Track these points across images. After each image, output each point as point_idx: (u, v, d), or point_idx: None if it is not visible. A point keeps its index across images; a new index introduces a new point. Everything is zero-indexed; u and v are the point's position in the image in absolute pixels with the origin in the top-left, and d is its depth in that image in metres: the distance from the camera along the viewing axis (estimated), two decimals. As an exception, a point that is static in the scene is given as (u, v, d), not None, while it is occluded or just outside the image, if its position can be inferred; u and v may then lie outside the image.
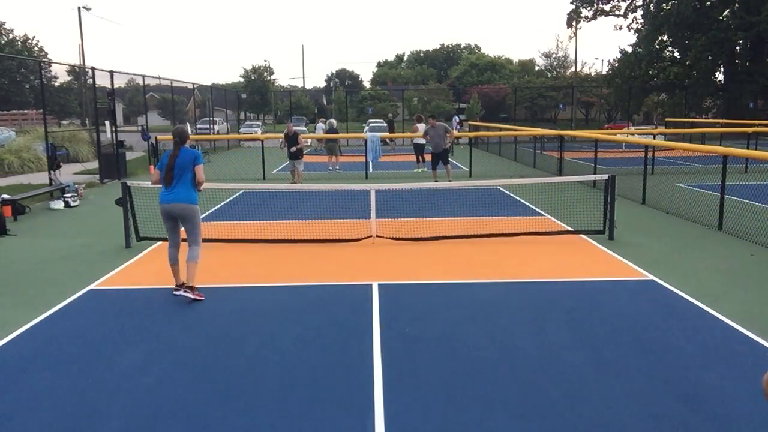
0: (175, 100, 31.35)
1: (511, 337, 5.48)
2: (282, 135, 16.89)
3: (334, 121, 23.00)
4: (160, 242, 9.21)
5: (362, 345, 5.29)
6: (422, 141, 20.66)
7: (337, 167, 20.17)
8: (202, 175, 6.57)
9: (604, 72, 55.14)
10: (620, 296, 6.64)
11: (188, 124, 34.20)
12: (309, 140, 33.15)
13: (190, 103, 41.10)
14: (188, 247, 6.59)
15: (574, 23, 46.55)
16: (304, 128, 43.04)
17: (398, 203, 12.51)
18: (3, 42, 52.36)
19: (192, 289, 6.46)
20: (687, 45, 39.60)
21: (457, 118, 39.59)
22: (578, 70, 62.15)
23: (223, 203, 13.11)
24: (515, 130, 24.90)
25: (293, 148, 15.97)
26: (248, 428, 3.98)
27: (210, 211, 12.12)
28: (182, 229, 6.73)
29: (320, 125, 34.66)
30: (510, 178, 15.09)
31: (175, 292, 6.60)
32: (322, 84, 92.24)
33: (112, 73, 17.97)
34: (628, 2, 43.92)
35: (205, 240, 9.15)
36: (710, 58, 38.30)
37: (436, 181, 15.55)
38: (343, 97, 53.29)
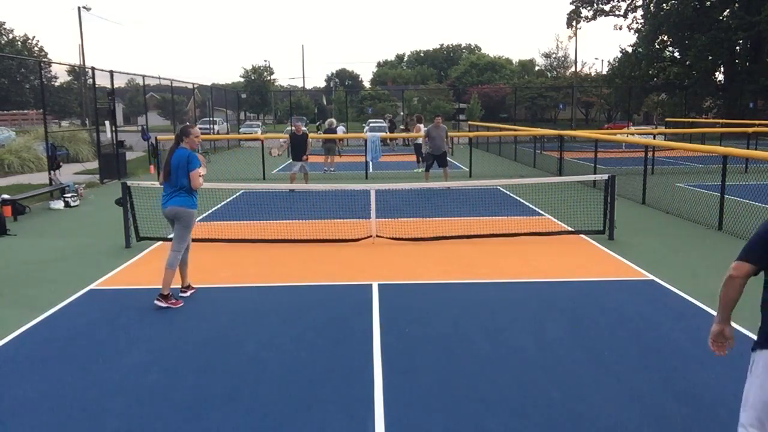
0: (175, 100, 31.33)
1: (511, 337, 5.48)
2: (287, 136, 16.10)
3: (333, 120, 22.96)
4: (160, 242, 9.20)
5: (362, 345, 5.29)
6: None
7: (332, 168, 20.02)
8: (197, 181, 6.22)
9: (604, 72, 55.20)
10: (620, 296, 6.64)
11: (188, 124, 34.22)
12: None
13: (190, 103, 41.11)
14: (169, 251, 6.35)
15: (574, 23, 46.58)
16: (305, 128, 43.03)
17: (398, 203, 12.51)
18: (3, 42, 52.40)
19: (166, 297, 6.23)
20: (687, 45, 39.62)
21: (388, 116, 36.96)
22: (578, 70, 62.18)
23: (223, 203, 13.11)
24: (515, 130, 24.90)
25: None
26: (248, 428, 3.97)
27: (210, 211, 12.12)
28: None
29: (341, 127, 34.67)
30: (510, 178, 15.09)
31: (181, 294, 6.61)
32: (322, 84, 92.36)
33: (112, 73, 17.97)
34: (628, 2, 43.99)
35: (204, 240, 9.19)
36: (710, 58, 38.32)
37: (427, 180, 15.23)
38: (343, 97, 53.29)
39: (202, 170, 6.33)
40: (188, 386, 4.56)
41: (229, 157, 26.23)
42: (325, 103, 75.40)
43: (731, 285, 3.38)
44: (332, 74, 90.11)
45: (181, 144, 6.34)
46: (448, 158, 15.46)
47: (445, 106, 56.28)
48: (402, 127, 35.11)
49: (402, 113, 39.22)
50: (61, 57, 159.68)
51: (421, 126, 21.74)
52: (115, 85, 18.67)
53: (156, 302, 6.23)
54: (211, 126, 35.24)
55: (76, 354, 5.19)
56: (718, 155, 10.88)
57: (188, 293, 6.65)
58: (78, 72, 48.99)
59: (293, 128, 15.87)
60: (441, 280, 7.25)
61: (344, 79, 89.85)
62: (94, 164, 19.49)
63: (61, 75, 58.25)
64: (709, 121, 36.70)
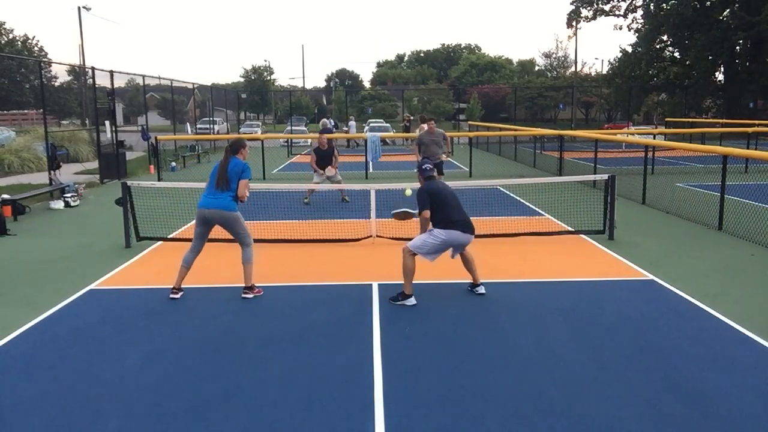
0: (175, 100, 31.33)
1: (511, 336, 5.48)
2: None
3: (326, 120, 22.98)
4: (160, 242, 9.21)
5: (362, 345, 5.29)
6: None
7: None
8: (245, 191, 6.57)
9: (604, 72, 55.18)
10: (620, 296, 6.64)
11: (188, 123, 34.20)
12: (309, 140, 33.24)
13: (190, 103, 41.10)
14: (241, 250, 6.63)
15: (574, 23, 46.57)
16: (305, 128, 43.00)
17: (398, 203, 12.47)
18: (3, 42, 52.39)
19: (251, 288, 6.60)
20: (687, 45, 39.64)
21: (330, 121, 35.54)
22: (578, 70, 62.19)
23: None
24: (515, 130, 24.91)
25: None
26: (248, 428, 3.97)
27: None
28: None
29: (352, 123, 34.35)
30: (510, 178, 15.09)
31: (172, 295, 6.58)
32: (322, 84, 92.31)
33: (112, 73, 17.97)
34: (628, 2, 43.96)
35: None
36: (710, 58, 38.33)
37: None
38: (343, 97, 53.29)
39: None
40: (188, 386, 4.56)
41: (229, 157, 26.16)
42: (325, 103, 75.39)
43: (424, 222, 6.49)
44: (332, 74, 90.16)
45: (236, 155, 6.68)
46: (450, 159, 14.87)
47: (445, 106, 56.31)
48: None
49: (406, 114, 38.40)
50: (61, 57, 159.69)
51: (426, 126, 21.34)
52: (115, 85, 18.67)
53: (243, 295, 6.56)
54: (211, 126, 35.25)
55: (76, 354, 5.19)
56: (718, 155, 10.88)
57: (178, 295, 6.60)
58: (78, 72, 49.02)
59: (317, 142, 13.25)
60: (441, 280, 7.24)
61: (344, 79, 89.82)
62: (94, 164, 19.48)
63: (61, 75, 58.41)
64: (709, 121, 36.70)
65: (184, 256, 6.66)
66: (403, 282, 6.40)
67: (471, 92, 57.70)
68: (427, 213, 6.40)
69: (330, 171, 12.71)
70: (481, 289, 6.66)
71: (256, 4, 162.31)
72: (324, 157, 12.81)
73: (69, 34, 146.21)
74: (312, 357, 5.06)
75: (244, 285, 6.65)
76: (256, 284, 6.69)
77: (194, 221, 6.76)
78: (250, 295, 6.58)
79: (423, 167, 6.76)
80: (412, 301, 6.37)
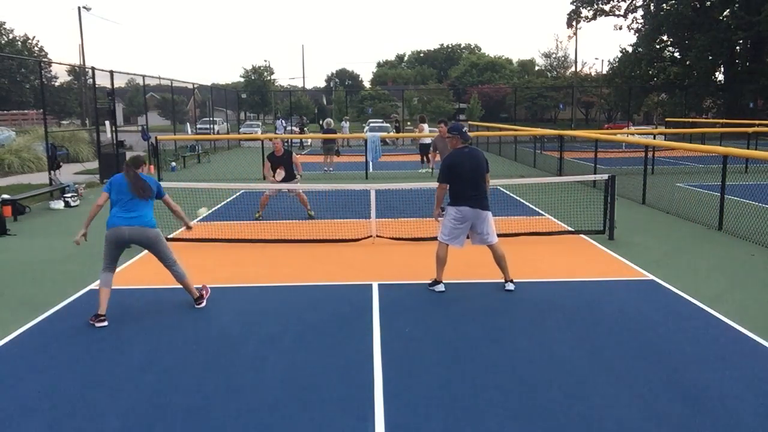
0: (175, 100, 31.33)
1: (511, 337, 5.48)
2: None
3: (331, 120, 22.97)
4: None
5: (362, 345, 5.29)
6: (427, 141, 20.45)
7: (332, 168, 20.02)
8: (175, 204, 6.45)
9: (604, 72, 55.18)
10: (620, 296, 6.64)
11: (188, 123, 34.22)
12: (310, 140, 33.27)
13: (190, 103, 41.10)
14: (170, 270, 6.16)
15: (574, 23, 46.57)
16: (306, 129, 42.93)
17: (398, 203, 12.50)
18: (3, 42, 52.42)
19: (202, 297, 6.34)
20: (687, 45, 39.65)
21: (282, 121, 33.31)
22: (578, 70, 62.17)
23: (223, 203, 13.10)
24: (515, 130, 24.90)
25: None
26: (248, 428, 3.97)
27: (210, 211, 12.11)
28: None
29: (344, 125, 34.41)
30: (510, 178, 15.09)
31: (96, 323, 5.76)
32: (322, 84, 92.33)
33: (112, 73, 17.96)
34: (628, 2, 44.00)
35: (205, 240, 9.19)
36: (710, 58, 38.34)
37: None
38: (343, 97, 53.28)
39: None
40: (188, 386, 4.56)
41: (229, 157, 26.22)
42: (325, 103, 75.37)
43: (440, 191, 6.65)
44: (332, 74, 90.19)
45: (138, 170, 6.21)
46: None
47: (445, 106, 56.24)
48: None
49: (395, 115, 38.00)
50: (61, 57, 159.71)
51: (425, 126, 21.31)
52: (115, 85, 18.66)
53: (197, 305, 6.27)
54: (211, 126, 35.26)
55: (76, 354, 5.19)
56: (718, 155, 10.88)
57: (104, 324, 5.79)
58: (78, 72, 49.05)
59: (272, 144, 11.50)
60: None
61: (344, 79, 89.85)
62: (94, 164, 19.49)
63: (61, 75, 58.42)
64: (709, 121, 36.69)
65: (101, 279, 6.06)
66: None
67: (471, 92, 57.64)
68: (443, 186, 6.58)
69: (291, 179, 11.01)
70: (509, 286, 6.78)
71: (256, 4, 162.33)
72: (280, 165, 10.96)
73: (69, 34, 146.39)
74: (312, 357, 5.06)
75: (194, 298, 6.29)
76: (258, 284, 6.69)
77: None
78: (204, 303, 6.31)
79: (463, 130, 6.65)
80: (440, 287, 6.74)
